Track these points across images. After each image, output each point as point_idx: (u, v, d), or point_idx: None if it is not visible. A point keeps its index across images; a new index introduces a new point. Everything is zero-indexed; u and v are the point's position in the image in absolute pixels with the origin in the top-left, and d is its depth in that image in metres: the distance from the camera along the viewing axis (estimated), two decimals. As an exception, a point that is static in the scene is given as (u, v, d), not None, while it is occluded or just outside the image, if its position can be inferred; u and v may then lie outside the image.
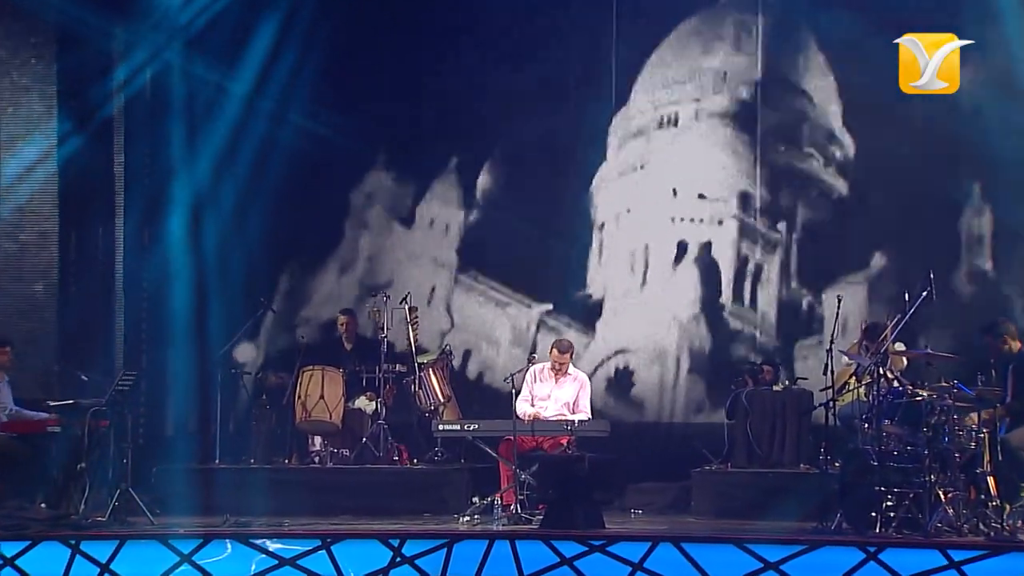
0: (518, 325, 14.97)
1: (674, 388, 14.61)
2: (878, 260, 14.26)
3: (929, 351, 11.58)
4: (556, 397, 12.84)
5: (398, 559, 10.57)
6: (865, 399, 11.65)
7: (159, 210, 14.57)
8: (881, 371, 11.21)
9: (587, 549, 10.50)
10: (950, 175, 14.00)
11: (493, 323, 15.01)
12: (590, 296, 14.87)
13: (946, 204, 14.05)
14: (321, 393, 13.54)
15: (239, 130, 14.35)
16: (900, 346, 12.07)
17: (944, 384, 11.04)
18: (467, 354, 14.99)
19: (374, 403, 13.77)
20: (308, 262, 15.24)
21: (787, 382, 13.45)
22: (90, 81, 14.13)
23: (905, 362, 12.16)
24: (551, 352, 12.83)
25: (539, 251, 14.76)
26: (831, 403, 11.94)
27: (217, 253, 14.34)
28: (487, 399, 14.23)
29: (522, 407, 12.58)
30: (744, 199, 14.59)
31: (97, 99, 14.18)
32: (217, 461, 13.66)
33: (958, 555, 10.08)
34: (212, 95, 14.48)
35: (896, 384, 11.32)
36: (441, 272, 15.13)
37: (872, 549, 10.21)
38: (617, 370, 14.73)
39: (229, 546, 10.75)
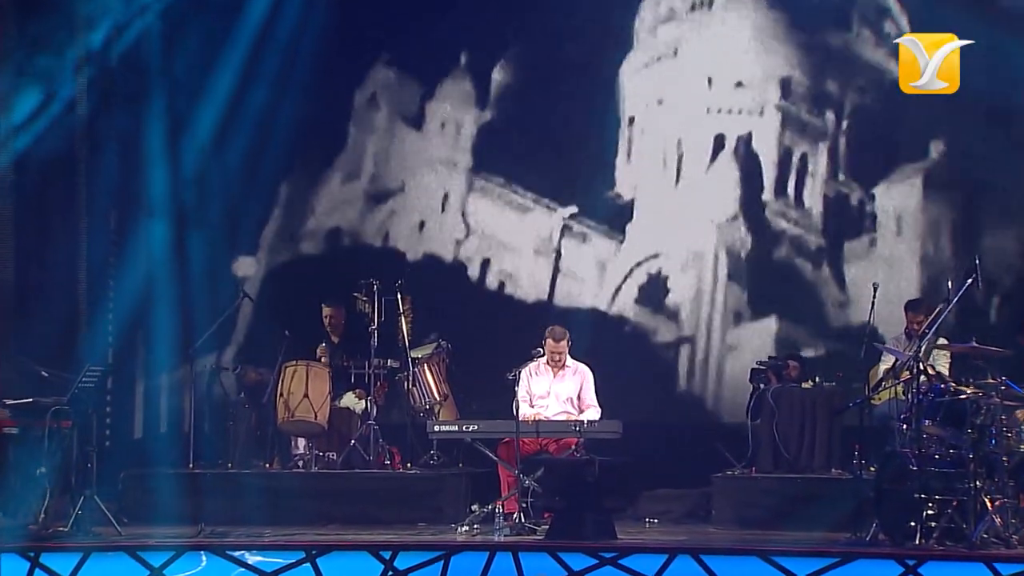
0: (541, 231, 14.96)
1: (712, 294, 14.59)
2: (936, 149, 14.14)
3: (975, 344, 11.52)
4: (556, 393, 12.80)
5: (390, 572, 10.56)
6: (903, 397, 11.63)
7: (127, 190, 14.54)
8: (921, 366, 11.15)
9: (597, 562, 10.50)
10: (1016, 51, 13.77)
11: (513, 230, 15.00)
12: (619, 197, 14.83)
13: (1012, 84, 13.81)
14: (305, 391, 13.51)
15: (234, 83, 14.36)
16: (943, 341, 12.03)
17: (991, 381, 10.99)
18: (486, 263, 15.00)
19: (363, 401, 13.75)
20: (310, 169, 15.20)
21: (817, 378, 13.38)
22: (52, 52, 14.09)
23: (947, 365, 12.13)
24: (546, 341, 12.77)
25: (561, 150, 14.70)
26: (866, 401, 11.88)
27: (198, 230, 14.38)
28: (509, 311, 14.28)
29: (522, 410, 12.50)
30: (786, 86, 14.49)
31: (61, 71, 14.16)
32: (191, 465, 13.59)
33: (1006, 569, 10.07)
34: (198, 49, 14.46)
35: (937, 380, 11.27)
36: (454, 176, 15.11)
37: (911, 562, 10.20)
38: (649, 277, 14.72)
39: (204, 558, 10.74)
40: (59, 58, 14.08)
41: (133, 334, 14.62)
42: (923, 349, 11.54)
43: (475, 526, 12.16)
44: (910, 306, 12.72)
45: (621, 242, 14.78)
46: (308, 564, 10.62)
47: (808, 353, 14.12)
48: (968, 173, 13.94)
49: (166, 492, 12.82)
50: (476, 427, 12.62)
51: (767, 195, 14.52)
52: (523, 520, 11.81)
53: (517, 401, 12.25)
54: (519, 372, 12.32)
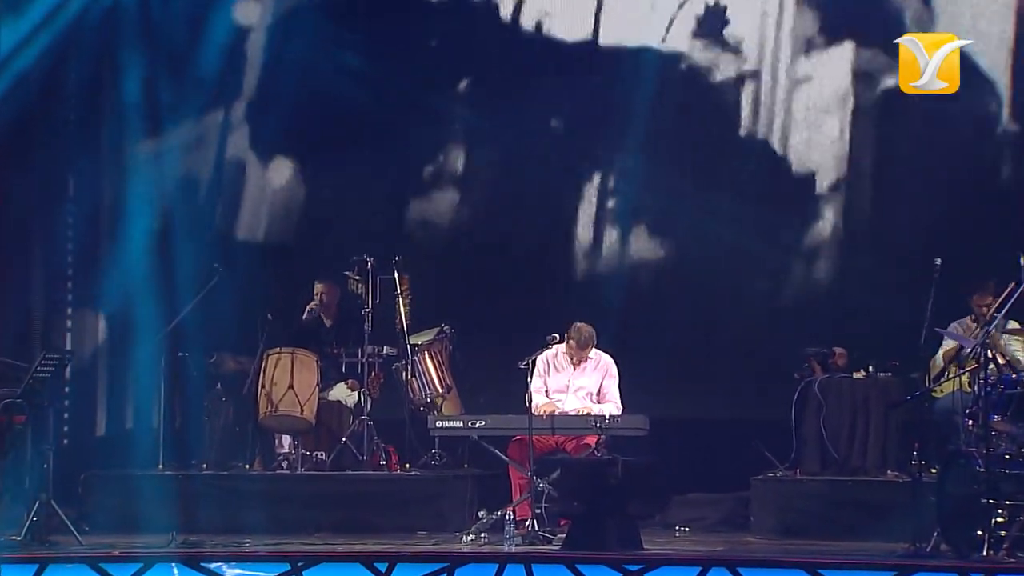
0: None
1: (778, 21, 14.55)
2: None
3: (1051, 329, 11.52)
4: (576, 387, 12.83)
5: (386, 587, 10.58)
6: (969, 389, 11.58)
7: (90, 158, 14.56)
8: (989, 354, 11.09)
9: (621, 575, 10.45)
10: None
11: None
12: None
13: None
14: (290, 382, 13.51)
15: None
16: (1013, 324, 11.98)
17: (1070, 371, 11.00)
18: (520, 0, 14.94)
19: (356, 394, 13.76)
20: None
21: (869, 368, 13.32)
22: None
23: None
24: (568, 342, 12.75)
25: None
26: (926, 394, 11.82)
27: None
28: (548, 54, 14.39)
29: (537, 400, 12.51)
30: None
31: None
32: (160, 466, 13.65)
33: (1085, 583, 10.06)
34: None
35: (1007, 370, 11.24)
36: None
37: (978, 576, 10.17)
38: (707, 5, 14.69)
39: (176, 571, 10.73)
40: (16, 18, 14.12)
41: (95, 317, 14.60)
42: (991, 334, 11.46)
43: (482, 535, 12.17)
44: (975, 287, 12.62)
45: None
46: (294, 577, 10.65)
47: (889, 83, 14.20)
48: None
49: (132, 496, 12.83)
50: (483, 423, 12.63)
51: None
52: (536, 528, 11.80)
53: (530, 393, 12.23)
54: (532, 360, 12.30)
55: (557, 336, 12.70)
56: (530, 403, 12.21)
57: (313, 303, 14.07)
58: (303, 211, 15.12)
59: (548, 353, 12.74)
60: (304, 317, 14.06)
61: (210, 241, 14.45)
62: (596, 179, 14.89)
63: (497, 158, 14.82)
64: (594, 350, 12.87)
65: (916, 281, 11.94)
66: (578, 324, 12.88)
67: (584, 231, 14.74)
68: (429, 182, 14.82)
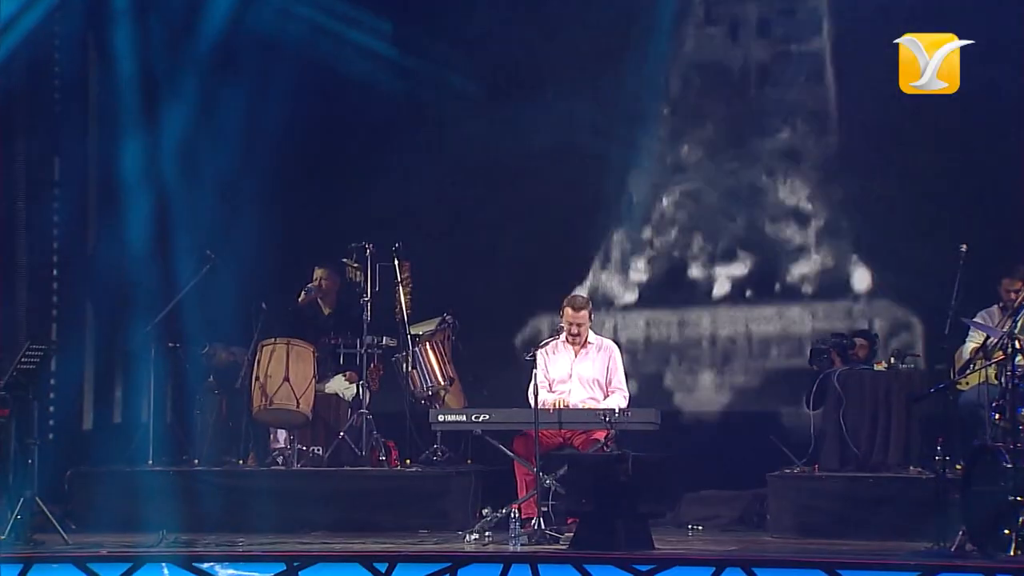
0: None
1: None
2: None
3: (1081, 319, 11.48)
4: (579, 374, 12.81)
5: (386, 588, 10.58)
6: (996, 382, 11.55)
7: (74, 128, 14.55)
8: (1017, 345, 11.04)
9: (631, 575, 10.43)
10: None
11: None
12: None
13: None
14: (286, 374, 13.51)
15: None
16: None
17: (1101, 363, 10.94)
18: None
19: (354, 386, 13.76)
20: None
21: (892, 359, 13.29)
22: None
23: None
24: (564, 311, 12.77)
25: None
26: (951, 386, 11.80)
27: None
28: None
29: (542, 395, 12.48)
30: None
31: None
32: (150, 462, 13.65)
33: (1117, 584, 10.02)
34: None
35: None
36: None
37: (1004, 577, 10.17)
38: None
39: (166, 571, 10.74)
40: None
41: (82, 306, 14.58)
42: (1019, 324, 11.43)
43: (486, 533, 12.15)
44: (1006, 271, 12.61)
45: None
46: (290, 578, 10.66)
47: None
48: None
49: (121, 493, 12.84)
50: (487, 417, 12.61)
51: None
52: (543, 527, 11.79)
53: (535, 386, 12.20)
54: (537, 353, 12.28)
55: (564, 327, 12.71)
56: (535, 397, 12.20)
57: (311, 283, 14.04)
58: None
59: (548, 346, 12.72)
60: (300, 299, 14.03)
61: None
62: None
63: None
64: (594, 335, 12.86)
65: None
66: (573, 294, 12.98)
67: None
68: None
